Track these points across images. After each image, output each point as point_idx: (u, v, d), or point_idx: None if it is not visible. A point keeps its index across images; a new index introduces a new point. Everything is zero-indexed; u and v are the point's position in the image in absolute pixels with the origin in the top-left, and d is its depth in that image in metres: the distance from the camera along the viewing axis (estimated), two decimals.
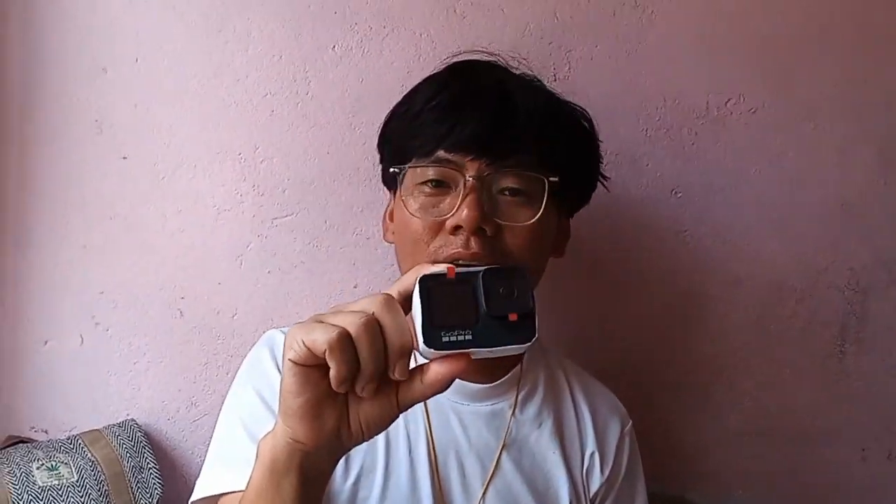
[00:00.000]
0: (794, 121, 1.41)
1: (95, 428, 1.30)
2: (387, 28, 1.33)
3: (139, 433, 1.29)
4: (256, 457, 0.73)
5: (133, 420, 1.32)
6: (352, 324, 0.64)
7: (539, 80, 1.11)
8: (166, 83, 1.31)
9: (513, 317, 0.67)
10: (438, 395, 1.02)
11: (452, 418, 1.07)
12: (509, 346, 0.68)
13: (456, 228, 0.96)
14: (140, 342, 1.34)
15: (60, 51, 1.30)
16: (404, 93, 1.11)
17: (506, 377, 1.09)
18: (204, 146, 1.32)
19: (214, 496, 0.95)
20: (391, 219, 1.10)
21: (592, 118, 1.12)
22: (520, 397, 1.10)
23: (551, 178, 0.99)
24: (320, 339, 0.64)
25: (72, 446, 1.24)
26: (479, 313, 0.67)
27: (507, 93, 1.02)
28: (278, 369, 1.03)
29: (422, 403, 1.03)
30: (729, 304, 1.43)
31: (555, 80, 1.34)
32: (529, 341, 0.68)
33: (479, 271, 0.68)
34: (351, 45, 1.33)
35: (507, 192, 0.99)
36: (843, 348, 1.45)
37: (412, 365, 0.68)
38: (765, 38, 1.40)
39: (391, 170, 1.05)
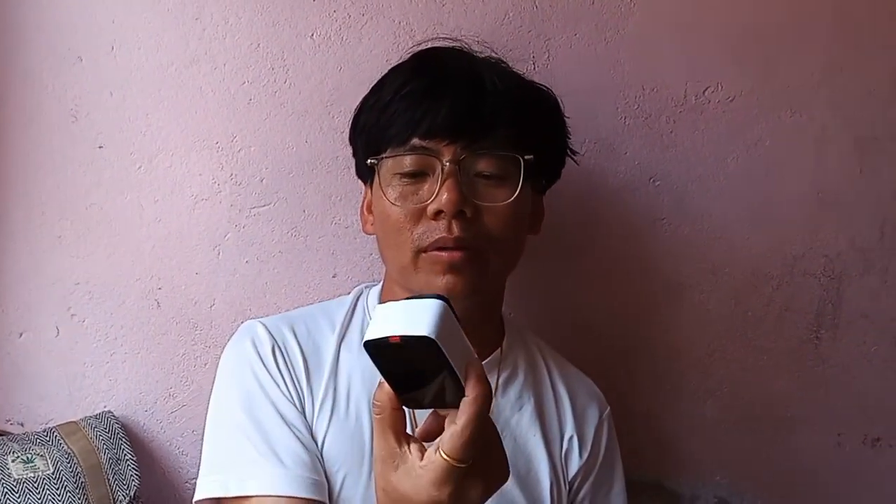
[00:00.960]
0: (771, 109, 1.41)
1: (72, 420, 1.28)
2: (365, 16, 1.32)
3: (116, 425, 1.27)
4: None
5: (110, 412, 1.31)
6: None
7: (504, 62, 1.12)
8: (143, 71, 1.29)
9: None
10: None
11: None
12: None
13: (437, 214, 0.99)
14: (117, 333, 1.33)
15: (35, 39, 1.28)
16: None
17: (487, 360, 1.10)
18: (181, 135, 1.31)
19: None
20: (369, 210, 1.11)
21: (559, 99, 1.15)
22: (500, 380, 1.11)
23: (526, 157, 1.02)
24: None
25: (48, 438, 1.23)
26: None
27: (477, 76, 1.04)
28: (263, 364, 1.05)
29: None
30: (706, 291, 1.44)
31: (534, 68, 1.34)
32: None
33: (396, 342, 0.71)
34: (329, 33, 1.32)
35: (483, 175, 1.02)
36: (818, 335, 1.46)
37: None
38: (744, 27, 1.40)
39: (368, 162, 1.06)
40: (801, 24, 1.41)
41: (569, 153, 1.17)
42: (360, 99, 1.11)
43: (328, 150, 1.33)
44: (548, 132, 1.10)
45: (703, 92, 1.40)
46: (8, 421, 1.32)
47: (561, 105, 1.14)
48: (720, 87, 1.40)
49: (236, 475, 0.99)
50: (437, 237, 0.99)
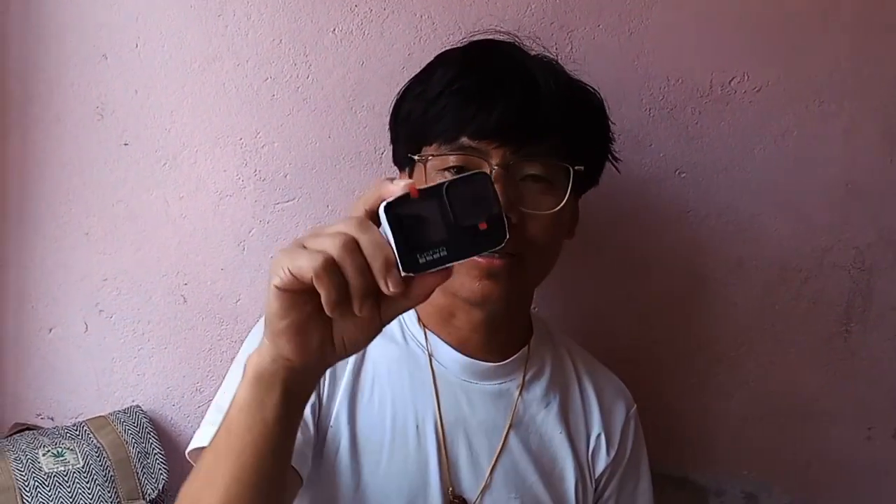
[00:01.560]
0: (798, 99, 1.39)
1: (101, 414, 1.30)
2: (387, 10, 1.32)
3: (144, 419, 1.29)
4: (242, 376, 0.73)
5: (138, 406, 1.33)
6: (333, 247, 0.63)
7: (557, 62, 1.09)
8: (167, 68, 1.31)
9: (482, 225, 0.67)
10: (447, 374, 1.06)
11: (461, 396, 1.07)
12: (485, 253, 0.69)
13: None
14: (144, 329, 1.34)
15: (60, 37, 1.29)
16: (405, 75, 1.09)
17: (514, 357, 1.10)
18: (205, 131, 1.32)
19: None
20: None
21: (604, 101, 1.11)
22: (527, 378, 1.11)
23: (577, 168, 0.99)
24: (306, 265, 0.63)
25: (77, 433, 1.25)
26: (449, 227, 0.67)
27: (531, 77, 1.00)
28: None
29: (431, 381, 1.06)
30: (733, 284, 1.42)
31: (558, 59, 1.32)
32: (501, 244, 0.68)
33: (442, 185, 0.67)
34: (351, 27, 1.31)
35: (530, 180, 0.99)
36: (848, 328, 1.44)
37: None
38: (769, 16, 1.37)
39: (415, 157, 1.02)
40: (828, 11, 1.38)
41: (610, 159, 1.14)
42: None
43: (351, 144, 1.33)
44: (596, 140, 1.09)
45: (729, 82, 1.38)
46: (39, 415, 1.34)
47: (607, 108, 1.11)
48: (746, 78, 1.38)
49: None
50: None
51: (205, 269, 1.34)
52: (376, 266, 0.64)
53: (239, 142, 1.32)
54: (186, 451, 0.99)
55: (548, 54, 1.09)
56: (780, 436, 1.46)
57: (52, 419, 1.34)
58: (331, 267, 0.63)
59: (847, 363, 1.45)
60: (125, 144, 1.31)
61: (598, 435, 1.14)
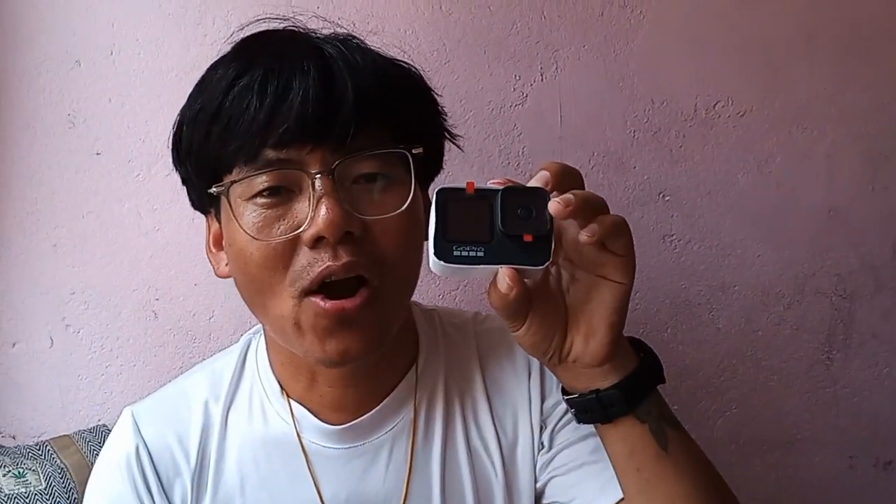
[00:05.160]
0: (782, 124, 1.39)
1: (65, 433, 1.26)
2: (371, 24, 1.30)
3: None
4: None
5: (104, 426, 1.28)
6: None
7: (354, 36, 0.87)
8: (142, 77, 1.28)
9: (528, 237, 0.66)
10: (322, 451, 0.90)
11: (343, 471, 0.90)
12: (521, 267, 0.67)
13: (317, 241, 0.77)
14: (112, 345, 1.31)
15: (32, 40, 1.26)
16: None
17: (395, 390, 0.91)
18: None
19: None
20: (217, 246, 0.89)
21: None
22: (421, 417, 0.92)
23: (415, 151, 0.81)
24: None
25: (40, 452, 1.20)
26: (494, 231, 0.66)
27: (327, 58, 0.80)
28: (133, 484, 0.89)
29: (305, 467, 0.90)
30: (715, 309, 1.41)
31: (542, 79, 1.32)
32: (542, 265, 0.67)
33: (499, 189, 0.67)
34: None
35: (362, 180, 0.80)
36: (830, 355, 1.43)
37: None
38: (754, 40, 1.38)
39: (210, 191, 0.82)
40: (813, 37, 1.39)
41: (448, 136, 0.92)
42: None
43: None
44: (426, 116, 0.88)
45: (714, 106, 1.38)
46: None
47: (427, 82, 0.91)
48: (731, 102, 1.38)
49: None
50: (321, 269, 0.77)
51: (177, 283, 1.31)
52: None
53: None
54: None
55: (341, 28, 0.90)
56: (762, 463, 1.44)
57: (13, 437, 1.31)
58: None
59: (829, 391, 1.44)
60: (97, 154, 1.29)
61: (515, 428, 0.93)
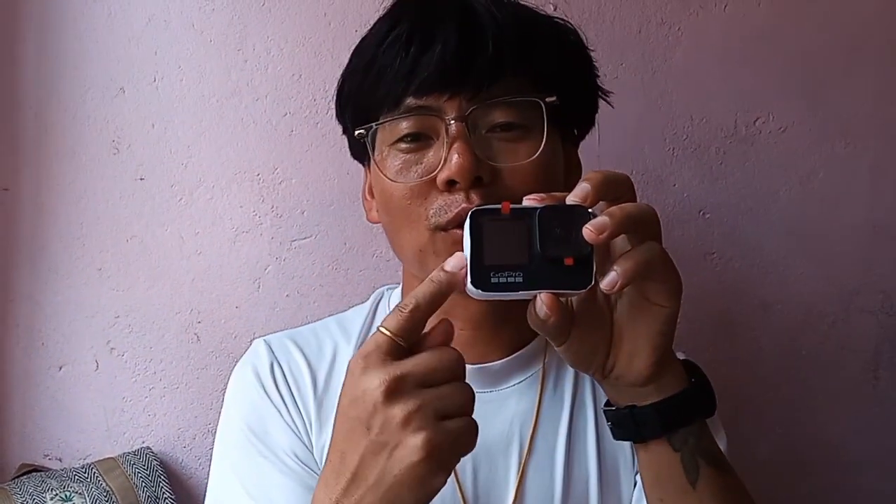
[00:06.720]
0: (824, 140, 1.37)
1: (110, 456, 1.27)
2: None
3: (155, 461, 1.26)
4: None
5: (148, 448, 1.29)
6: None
7: None
8: (185, 103, 1.29)
9: (568, 261, 0.63)
10: None
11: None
12: (562, 291, 0.64)
13: (450, 184, 0.80)
14: (156, 367, 1.31)
15: (77, 69, 1.28)
16: None
17: (523, 351, 0.93)
18: (222, 166, 1.30)
19: None
20: (371, 195, 0.94)
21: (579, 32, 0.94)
22: (549, 380, 0.94)
23: (548, 100, 0.82)
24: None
25: (86, 475, 1.21)
26: (533, 254, 0.64)
27: (471, 11, 0.83)
28: (264, 389, 0.93)
29: None
30: (758, 328, 1.39)
31: None
32: (585, 287, 0.64)
33: (536, 209, 0.64)
34: None
35: (498, 129, 0.83)
36: (876, 374, 1.41)
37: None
38: (794, 55, 1.36)
39: (356, 133, 0.87)
40: (854, 51, 1.37)
41: (600, 94, 0.95)
42: None
43: None
44: (569, 66, 0.89)
45: (754, 122, 1.37)
46: (46, 456, 1.31)
47: (582, 36, 0.93)
48: (771, 118, 1.37)
49: None
50: (456, 211, 0.80)
51: (219, 306, 1.31)
52: None
53: (256, 177, 1.30)
54: None
55: None
56: (807, 486, 1.42)
57: (59, 460, 1.31)
58: None
59: (876, 411, 1.41)
60: (141, 179, 1.30)
61: None
